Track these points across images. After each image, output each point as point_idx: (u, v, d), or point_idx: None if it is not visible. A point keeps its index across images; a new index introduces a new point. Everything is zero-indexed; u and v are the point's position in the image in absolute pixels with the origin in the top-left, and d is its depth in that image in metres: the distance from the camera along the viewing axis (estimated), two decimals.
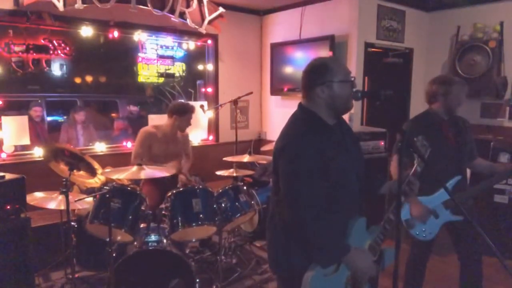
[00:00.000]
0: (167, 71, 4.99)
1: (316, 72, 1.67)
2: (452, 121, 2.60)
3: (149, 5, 3.88)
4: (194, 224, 2.78)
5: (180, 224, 2.74)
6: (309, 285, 1.55)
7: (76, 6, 3.56)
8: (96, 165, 3.05)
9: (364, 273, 1.64)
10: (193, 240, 3.30)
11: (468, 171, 2.79)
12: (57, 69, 4.26)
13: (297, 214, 1.56)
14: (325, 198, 1.60)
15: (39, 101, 5.37)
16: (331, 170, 1.60)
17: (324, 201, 1.59)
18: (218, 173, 3.72)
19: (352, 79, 1.69)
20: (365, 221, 1.73)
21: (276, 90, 5.21)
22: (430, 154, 2.39)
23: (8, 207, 2.72)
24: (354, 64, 4.35)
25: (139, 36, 4.60)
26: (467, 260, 2.57)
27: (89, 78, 4.89)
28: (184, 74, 5.16)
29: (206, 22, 4.34)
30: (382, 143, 4.21)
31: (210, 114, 5.20)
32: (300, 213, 1.56)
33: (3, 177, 2.75)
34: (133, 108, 5.91)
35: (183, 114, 3.62)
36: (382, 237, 1.72)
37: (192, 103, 5.06)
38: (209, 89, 5.23)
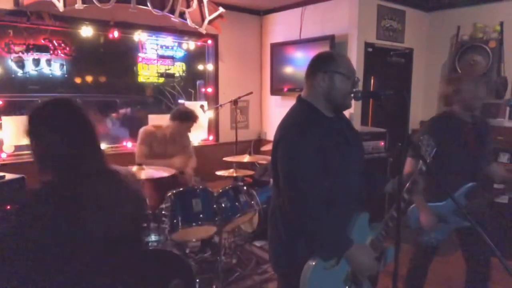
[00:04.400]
0: (167, 71, 4.99)
1: (322, 60, 1.73)
2: (474, 124, 2.44)
3: (149, 5, 3.88)
4: (194, 224, 2.78)
5: (180, 224, 2.75)
6: (309, 275, 1.55)
7: (76, 6, 3.56)
8: None
9: (364, 269, 1.64)
10: (193, 240, 3.30)
11: None
12: (57, 69, 4.25)
13: (299, 207, 1.55)
14: (326, 190, 1.58)
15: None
16: (330, 160, 1.59)
17: (325, 193, 1.58)
18: (218, 173, 3.72)
19: (356, 79, 1.70)
20: (368, 217, 1.73)
21: (276, 90, 5.21)
22: (446, 158, 2.34)
23: (8, 207, 2.72)
24: (354, 64, 4.33)
25: (139, 36, 4.60)
26: (474, 262, 2.51)
27: (89, 78, 4.88)
28: (184, 74, 5.16)
29: (206, 22, 4.35)
30: (382, 143, 4.21)
31: (210, 114, 5.20)
32: (301, 205, 1.55)
33: (3, 177, 2.75)
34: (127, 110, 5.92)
35: (184, 121, 3.62)
36: (384, 234, 1.72)
37: (192, 103, 5.09)
38: (209, 89, 5.23)
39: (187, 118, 3.63)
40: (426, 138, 1.73)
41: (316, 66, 1.70)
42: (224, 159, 3.79)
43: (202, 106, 4.99)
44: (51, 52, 4.04)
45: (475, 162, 2.41)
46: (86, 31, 4.14)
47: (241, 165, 3.80)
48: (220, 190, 2.97)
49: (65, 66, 4.29)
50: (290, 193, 1.58)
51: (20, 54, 3.85)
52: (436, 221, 2.35)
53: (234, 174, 3.66)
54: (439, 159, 2.35)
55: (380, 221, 1.76)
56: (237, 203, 2.97)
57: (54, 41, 4.04)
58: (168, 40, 4.89)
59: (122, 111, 5.90)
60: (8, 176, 2.81)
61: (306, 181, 1.55)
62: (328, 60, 1.70)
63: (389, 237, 1.73)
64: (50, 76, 4.27)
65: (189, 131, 3.73)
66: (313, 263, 1.57)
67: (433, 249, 2.56)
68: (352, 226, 1.66)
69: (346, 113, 1.85)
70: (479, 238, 2.37)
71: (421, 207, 2.39)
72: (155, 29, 4.64)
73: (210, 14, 4.36)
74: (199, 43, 5.10)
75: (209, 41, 5.10)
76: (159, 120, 4.17)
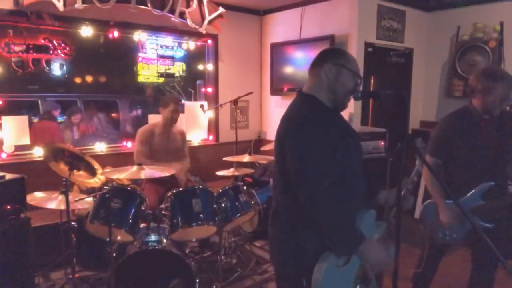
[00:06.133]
0: (167, 71, 5.00)
1: (332, 53, 1.78)
2: (496, 119, 2.31)
3: (149, 5, 3.88)
4: (194, 224, 2.78)
5: (180, 224, 2.74)
6: (323, 275, 1.53)
7: (76, 6, 3.56)
8: (96, 165, 3.05)
9: (377, 264, 1.63)
10: (193, 240, 3.30)
11: None
12: (57, 69, 4.25)
13: (314, 197, 1.52)
14: (338, 184, 1.56)
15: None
16: (338, 153, 1.59)
17: (338, 188, 1.55)
18: (218, 173, 3.72)
19: (358, 81, 1.70)
20: (374, 214, 1.72)
21: (276, 90, 5.21)
22: (464, 155, 2.29)
23: (8, 207, 2.72)
24: None
25: (139, 36, 4.60)
26: (481, 264, 2.46)
27: (89, 78, 4.89)
28: (184, 74, 5.16)
29: (206, 22, 4.34)
30: (382, 143, 4.21)
31: (210, 114, 5.20)
32: (316, 195, 1.52)
33: (3, 177, 2.75)
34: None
35: (166, 106, 3.74)
36: (389, 232, 1.72)
37: (192, 103, 5.10)
38: (209, 89, 5.23)
39: (167, 102, 3.75)
40: (420, 141, 1.74)
41: (325, 57, 1.71)
42: (224, 159, 3.79)
43: (202, 106, 4.99)
44: (51, 52, 4.04)
45: (495, 160, 2.32)
46: (86, 31, 4.14)
47: (241, 165, 3.80)
48: (220, 190, 2.96)
49: (65, 66, 4.30)
50: (304, 188, 1.55)
51: (20, 54, 3.85)
52: (455, 218, 2.29)
53: (234, 174, 3.66)
54: (457, 156, 2.33)
55: (382, 219, 1.76)
56: (237, 203, 2.96)
57: (54, 41, 4.04)
58: (168, 40, 4.89)
59: (123, 111, 5.93)
60: (8, 176, 2.80)
61: (319, 166, 1.53)
62: (338, 54, 1.72)
63: (392, 236, 1.73)
64: (50, 76, 4.27)
65: (175, 115, 3.76)
66: (326, 263, 1.55)
67: (446, 246, 2.50)
68: (360, 223, 1.66)
69: (346, 112, 1.85)
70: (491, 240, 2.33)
71: (440, 204, 2.33)
72: (155, 29, 4.64)
73: (210, 14, 4.35)
74: (199, 43, 5.10)
75: (209, 41, 5.10)
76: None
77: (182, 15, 4.17)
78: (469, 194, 2.31)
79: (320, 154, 1.55)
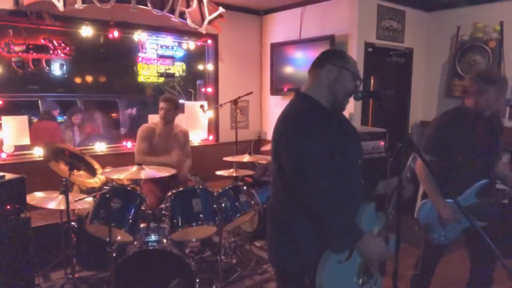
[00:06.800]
0: (167, 71, 5.00)
1: (333, 54, 1.78)
2: (487, 119, 2.38)
3: (149, 5, 3.88)
4: (194, 224, 2.78)
5: (180, 224, 2.74)
6: (326, 272, 1.54)
7: (76, 6, 3.57)
8: (96, 165, 3.06)
9: (376, 257, 1.63)
10: (193, 240, 3.30)
11: None
12: (57, 69, 4.26)
13: (312, 197, 1.53)
14: (335, 181, 1.56)
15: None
16: (335, 151, 1.59)
17: (335, 185, 1.55)
18: (218, 173, 3.72)
19: (358, 83, 1.70)
20: (374, 206, 1.73)
21: (276, 90, 5.22)
22: (459, 153, 2.32)
23: (8, 207, 2.72)
24: None
25: (139, 36, 4.60)
26: (479, 263, 2.47)
27: (89, 78, 4.89)
28: (184, 74, 5.16)
29: (206, 22, 4.35)
30: (382, 143, 4.21)
31: (210, 114, 5.20)
32: (314, 195, 1.52)
33: (3, 177, 2.75)
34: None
35: (158, 105, 3.77)
36: (389, 223, 1.74)
37: (192, 103, 5.10)
38: (209, 89, 5.23)
39: (158, 101, 3.79)
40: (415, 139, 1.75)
41: (326, 58, 1.72)
42: (224, 159, 3.79)
43: (202, 106, 5.00)
44: (51, 52, 4.04)
45: (487, 159, 2.37)
46: (86, 31, 4.14)
47: (241, 165, 3.80)
48: (220, 190, 2.96)
49: (65, 66, 4.30)
50: (302, 188, 1.55)
51: (20, 54, 3.85)
52: (456, 213, 2.28)
53: (234, 174, 3.66)
54: (452, 154, 2.35)
55: (381, 210, 1.77)
56: (237, 203, 2.96)
57: (54, 41, 4.04)
58: (168, 40, 4.89)
59: (123, 111, 5.93)
60: (8, 176, 2.80)
61: (316, 165, 1.53)
62: (338, 55, 1.73)
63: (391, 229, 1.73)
64: (50, 76, 4.27)
65: (161, 113, 3.71)
66: (328, 260, 1.56)
67: (442, 248, 2.52)
68: (360, 217, 1.67)
69: (346, 112, 1.85)
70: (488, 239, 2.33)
71: (438, 201, 2.35)
72: (155, 29, 4.64)
73: (210, 14, 4.36)
74: (199, 43, 5.10)
75: (209, 41, 5.10)
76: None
77: (182, 15, 4.17)
78: (466, 192, 2.34)
79: (318, 154, 1.55)
